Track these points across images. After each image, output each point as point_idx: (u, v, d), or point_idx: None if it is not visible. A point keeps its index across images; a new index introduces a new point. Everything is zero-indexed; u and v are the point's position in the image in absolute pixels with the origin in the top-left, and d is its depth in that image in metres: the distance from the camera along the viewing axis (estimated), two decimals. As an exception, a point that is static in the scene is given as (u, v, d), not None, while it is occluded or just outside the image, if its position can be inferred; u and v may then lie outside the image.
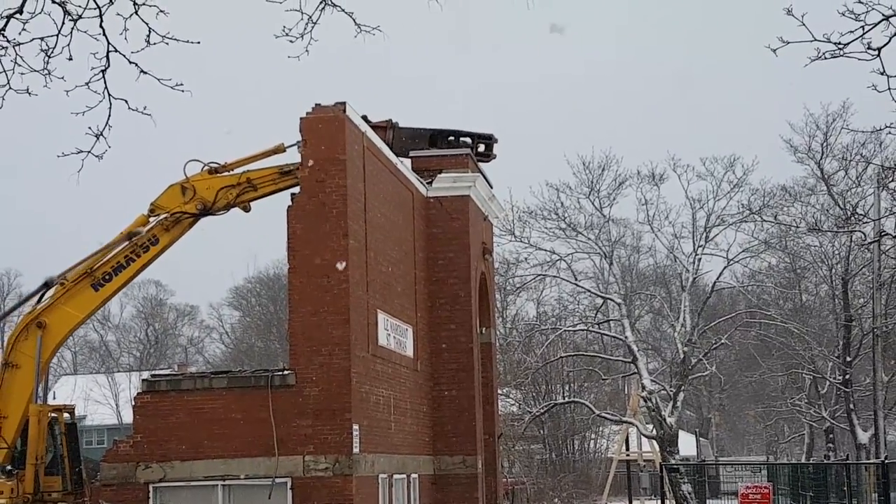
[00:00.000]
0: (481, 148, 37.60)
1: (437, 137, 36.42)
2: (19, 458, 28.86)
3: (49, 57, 11.82)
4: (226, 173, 29.03)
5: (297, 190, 28.08)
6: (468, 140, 37.27)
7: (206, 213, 28.99)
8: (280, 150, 28.91)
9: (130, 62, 11.97)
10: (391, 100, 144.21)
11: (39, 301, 29.57)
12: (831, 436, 68.89)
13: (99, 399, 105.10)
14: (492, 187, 39.67)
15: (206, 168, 28.94)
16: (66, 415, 30.84)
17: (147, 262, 29.00)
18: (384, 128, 34.13)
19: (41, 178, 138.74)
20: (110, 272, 28.82)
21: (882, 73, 12.82)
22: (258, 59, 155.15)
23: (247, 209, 29.55)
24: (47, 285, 26.79)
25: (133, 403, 28.66)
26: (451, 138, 36.90)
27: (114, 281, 28.92)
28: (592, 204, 58.90)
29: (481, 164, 38.10)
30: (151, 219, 29.07)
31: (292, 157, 28.99)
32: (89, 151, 12.65)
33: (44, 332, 28.85)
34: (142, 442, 27.82)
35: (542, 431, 68.93)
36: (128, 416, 60.74)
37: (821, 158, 55.90)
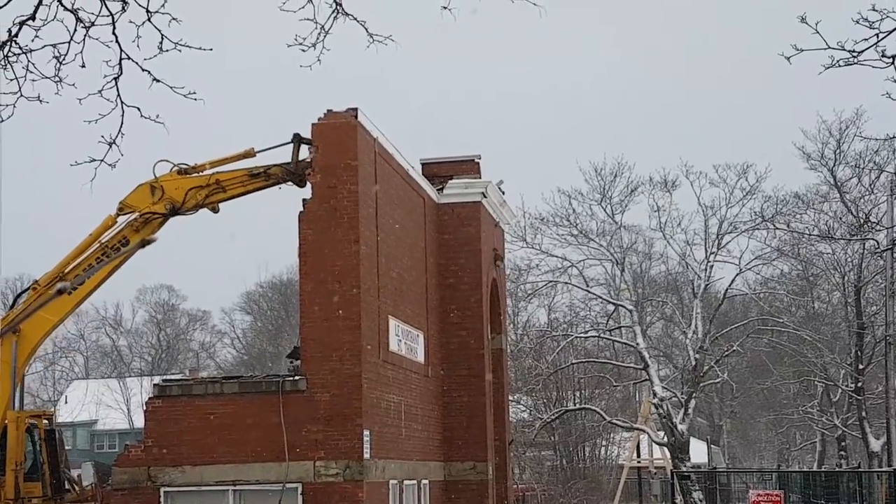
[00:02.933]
0: None
1: None
2: None
3: (61, 64, 11.81)
4: (195, 174, 29.06)
5: (307, 195, 28.09)
6: None
7: (175, 214, 28.98)
8: (250, 154, 28.94)
9: (143, 69, 11.97)
10: (399, 109, 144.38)
11: (13, 306, 29.68)
12: (843, 444, 68.68)
13: (111, 403, 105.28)
14: (503, 193, 39.65)
15: (176, 168, 28.98)
16: (44, 421, 30.89)
17: (119, 265, 28.96)
18: None
19: (55, 185, 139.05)
20: (82, 275, 28.81)
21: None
22: (269, 67, 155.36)
23: (215, 210, 29.54)
24: (60, 291, 26.94)
25: (144, 408, 28.68)
26: None
27: (86, 284, 28.91)
28: (604, 210, 58.90)
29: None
30: (120, 218, 29.07)
31: (262, 160, 29.08)
32: (102, 160, 12.65)
33: (19, 338, 28.86)
34: (153, 447, 27.84)
35: (552, 438, 68.74)
36: (139, 421, 60.77)
37: (834, 165, 55.80)
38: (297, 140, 28.75)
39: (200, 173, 29.08)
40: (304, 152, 28.78)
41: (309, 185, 28.26)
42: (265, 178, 29.04)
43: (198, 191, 28.88)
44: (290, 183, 29.16)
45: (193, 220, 29.74)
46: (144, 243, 28.68)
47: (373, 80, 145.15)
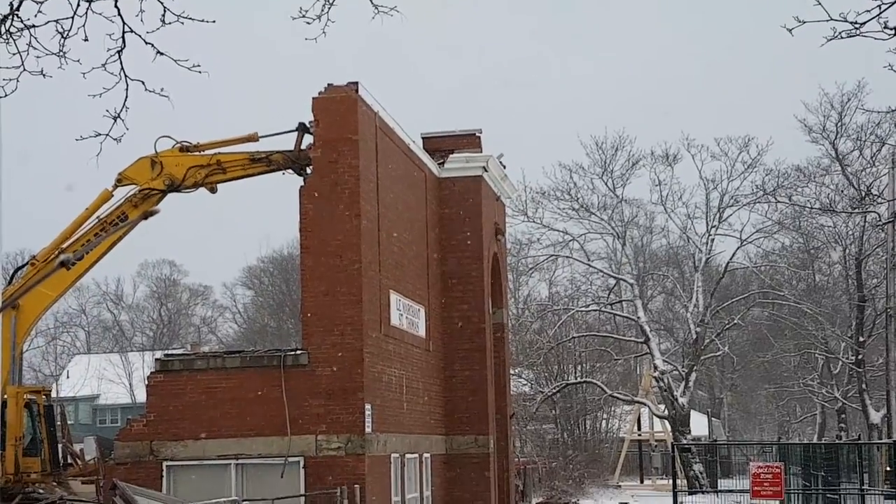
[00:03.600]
0: None
1: None
2: None
3: (64, 38, 11.77)
4: (197, 153, 29.07)
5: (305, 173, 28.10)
6: None
7: (174, 190, 28.99)
8: (253, 138, 28.96)
9: (146, 43, 11.93)
10: (408, 87, 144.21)
11: (10, 282, 29.66)
12: (843, 416, 68.86)
13: (112, 378, 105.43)
14: (504, 167, 39.62)
15: (178, 146, 28.99)
16: (43, 396, 30.95)
17: (118, 239, 28.95)
18: None
19: (59, 159, 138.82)
20: (81, 250, 28.80)
21: (898, 53, 12.74)
22: (272, 40, 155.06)
23: (213, 190, 29.56)
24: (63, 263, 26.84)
25: (146, 383, 28.74)
26: None
27: (85, 259, 28.92)
28: (605, 184, 58.98)
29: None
30: (117, 191, 29.06)
31: (265, 146, 29.13)
32: (107, 134, 12.63)
33: (17, 313, 28.88)
34: (155, 421, 27.91)
35: (554, 411, 68.91)
36: (141, 396, 60.94)
37: (835, 138, 55.80)
38: (302, 129, 28.74)
39: (202, 152, 29.10)
40: (309, 140, 28.80)
41: (300, 178, 28.28)
42: (266, 163, 29.07)
43: (198, 170, 28.89)
44: (290, 171, 29.20)
45: (195, 196, 29.77)
46: (147, 214, 28.69)
47: (378, 55, 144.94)
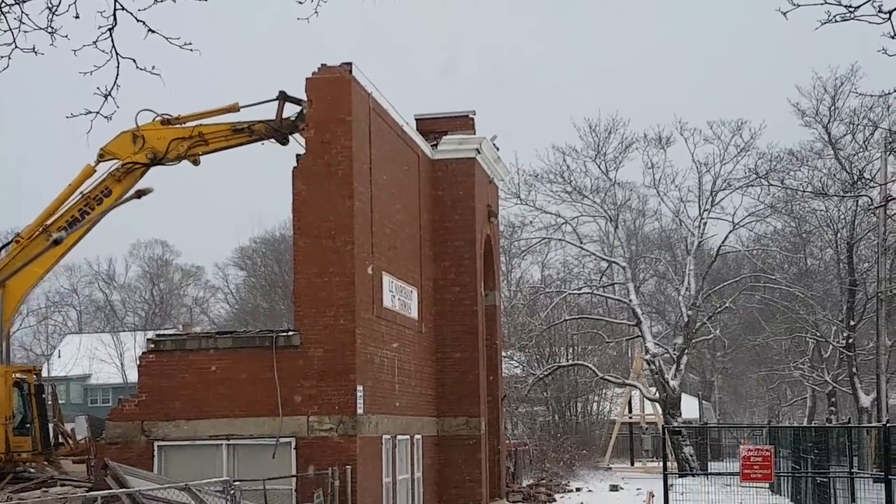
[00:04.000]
0: None
1: None
2: None
3: (54, 15, 11.71)
4: (178, 125, 28.99)
5: (300, 150, 28.03)
6: None
7: (157, 163, 28.92)
8: (234, 109, 28.90)
9: (138, 20, 11.87)
10: (398, 63, 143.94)
11: None
12: (833, 399, 69.04)
13: (104, 358, 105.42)
14: (498, 150, 39.58)
15: (159, 119, 28.91)
16: (33, 376, 30.92)
17: (102, 214, 28.85)
18: None
19: (49, 137, 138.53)
20: (65, 227, 28.69)
21: (893, 37, 12.71)
22: (263, 19, 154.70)
23: (196, 163, 29.48)
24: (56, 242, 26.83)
25: (138, 363, 28.72)
26: None
27: (70, 235, 28.83)
28: (598, 167, 58.98)
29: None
30: (100, 166, 28.98)
31: (252, 115, 29.07)
32: (98, 112, 12.57)
33: (3, 292, 28.81)
34: (147, 401, 27.90)
35: (545, 394, 69.06)
36: (133, 376, 60.91)
37: (828, 122, 55.75)
38: (283, 98, 28.69)
39: (183, 125, 29.01)
40: (291, 110, 28.76)
41: (302, 139, 28.22)
42: (248, 133, 29.03)
43: (180, 142, 28.80)
44: (273, 140, 29.16)
45: (187, 176, 29.79)
46: (141, 193, 28.62)
47: (372, 36, 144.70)
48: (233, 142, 29.22)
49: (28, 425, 30.06)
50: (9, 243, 29.48)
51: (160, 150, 28.75)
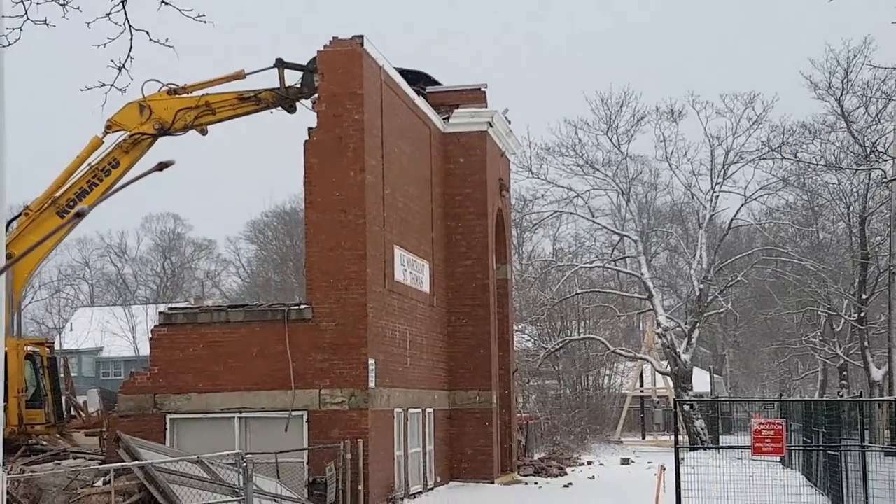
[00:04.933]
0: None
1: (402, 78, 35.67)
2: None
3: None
4: (185, 95, 28.94)
5: (312, 122, 28.00)
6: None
7: (164, 134, 28.91)
8: (240, 76, 28.84)
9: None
10: (404, 41, 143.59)
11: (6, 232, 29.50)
12: (845, 373, 68.98)
13: (116, 331, 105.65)
14: (510, 123, 39.49)
15: (165, 89, 28.84)
16: (46, 349, 31.00)
17: (110, 186, 28.88)
18: None
19: (60, 108, 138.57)
20: (74, 198, 28.72)
21: (906, 10, 12.63)
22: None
23: (204, 132, 29.47)
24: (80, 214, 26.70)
25: (150, 336, 28.80)
26: (421, 84, 36.13)
27: (89, 197, 28.84)
28: (610, 140, 58.79)
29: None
30: (107, 137, 28.98)
31: (253, 84, 29.05)
32: (112, 84, 12.56)
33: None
34: (159, 374, 27.99)
35: (556, 367, 69.05)
36: (145, 349, 61.06)
37: (841, 95, 55.41)
38: (281, 64, 28.63)
39: (190, 94, 28.97)
40: (295, 78, 28.72)
41: (312, 113, 28.19)
42: (255, 102, 28.99)
43: (187, 112, 28.77)
44: (280, 108, 29.13)
45: (200, 149, 29.71)
46: (163, 165, 28.57)
47: (381, 10, 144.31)
48: (240, 110, 29.19)
49: (41, 398, 30.19)
50: (18, 215, 29.53)
51: (167, 121, 28.74)
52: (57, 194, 28.89)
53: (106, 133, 28.96)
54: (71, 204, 28.71)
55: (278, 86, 28.80)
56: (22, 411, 29.44)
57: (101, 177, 28.83)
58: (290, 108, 29.13)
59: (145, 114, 28.71)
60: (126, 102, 28.57)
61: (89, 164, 28.95)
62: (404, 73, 34.42)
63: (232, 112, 29.16)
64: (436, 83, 36.92)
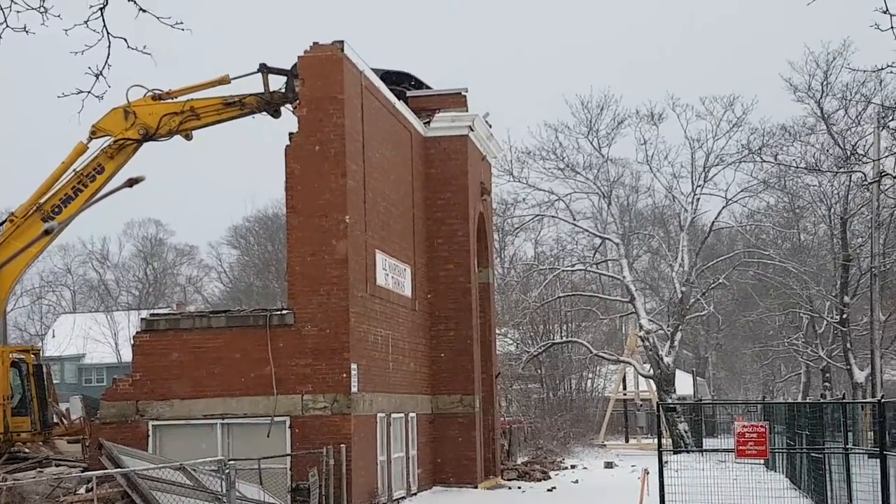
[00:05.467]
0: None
1: (387, 79, 35.72)
2: None
3: (46, -6, 11.61)
4: (169, 100, 28.91)
5: (293, 128, 27.98)
6: (416, 89, 36.67)
7: (149, 139, 28.86)
8: (225, 81, 28.79)
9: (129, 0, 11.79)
10: (388, 42, 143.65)
11: None
12: (828, 375, 69.12)
13: (98, 338, 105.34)
14: (490, 127, 39.52)
15: (150, 94, 28.81)
16: (32, 356, 30.89)
17: (95, 192, 28.83)
18: None
19: (43, 115, 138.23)
20: (59, 205, 28.67)
21: (885, 12, 12.69)
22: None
23: (189, 137, 29.42)
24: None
25: (132, 342, 28.72)
26: (405, 84, 36.20)
27: (63, 213, 28.79)
28: (591, 144, 58.83)
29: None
30: (92, 143, 28.92)
31: (237, 89, 29.00)
32: (89, 91, 12.50)
33: None
34: (141, 380, 27.92)
35: (539, 371, 69.07)
36: (127, 355, 60.91)
37: (821, 97, 55.57)
38: (265, 69, 28.60)
39: (174, 99, 28.92)
40: (280, 82, 28.69)
41: (295, 118, 28.16)
42: (240, 107, 28.95)
43: (171, 117, 28.72)
44: (265, 112, 29.09)
45: (180, 154, 29.71)
46: (133, 182, 28.53)
47: (362, 11, 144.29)
48: (224, 115, 29.14)
49: (27, 406, 30.06)
50: (3, 222, 29.42)
51: (152, 126, 28.68)
52: (42, 200, 28.81)
53: (90, 139, 28.89)
54: (56, 210, 28.66)
55: (262, 91, 28.76)
56: (7, 419, 29.32)
57: (86, 182, 28.76)
58: (275, 113, 29.11)
59: (130, 119, 28.63)
60: (111, 108, 28.52)
61: (74, 170, 28.88)
62: (389, 73, 34.50)
63: (217, 117, 29.12)
64: (421, 83, 36.99)
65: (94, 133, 28.82)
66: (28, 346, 33.72)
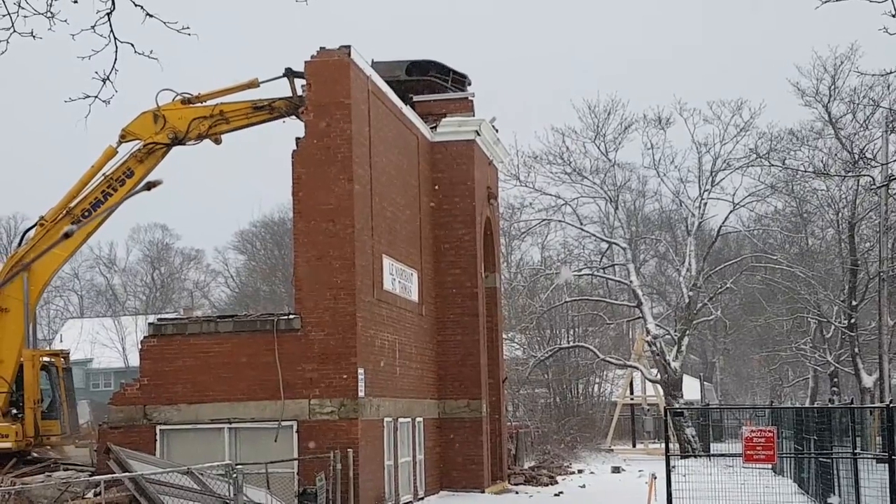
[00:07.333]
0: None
1: (414, 69, 35.85)
2: (16, 402, 29.06)
3: (53, -1, 11.64)
4: (198, 104, 28.95)
5: (301, 133, 27.99)
6: (444, 77, 36.68)
7: (178, 143, 28.95)
8: (254, 84, 28.83)
9: (136, 5, 11.81)
10: (397, 35, 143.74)
11: (20, 244, 29.61)
12: (835, 380, 69.01)
13: (105, 342, 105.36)
14: (497, 131, 39.51)
15: (179, 98, 28.86)
16: (61, 360, 30.98)
17: (125, 195, 28.92)
18: None
19: (48, 121, 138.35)
20: (89, 208, 28.79)
21: (893, 16, 12.67)
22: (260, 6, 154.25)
23: (218, 142, 29.46)
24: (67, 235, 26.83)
25: (140, 347, 28.76)
26: (433, 73, 36.28)
27: (93, 216, 28.89)
28: (598, 148, 58.83)
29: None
30: (121, 147, 29.01)
31: (266, 92, 29.05)
32: (96, 96, 12.52)
33: (29, 274, 28.86)
34: (149, 385, 27.95)
35: (546, 375, 69.06)
36: (134, 360, 60.97)
37: (828, 102, 55.53)
38: (290, 74, 28.64)
39: (204, 103, 28.99)
40: (302, 84, 28.75)
41: (302, 123, 28.18)
42: (269, 111, 29.01)
43: (201, 121, 28.78)
44: (294, 116, 29.12)
45: (188, 160, 29.69)
46: (151, 185, 28.59)
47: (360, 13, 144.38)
48: (254, 119, 29.21)
49: (56, 409, 30.17)
50: (34, 226, 29.55)
51: (181, 130, 28.76)
52: (72, 205, 28.97)
53: (120, 143, 29.01)
54: (86, 214, 28.82)
55: (290, 94, 28.83)
56: (38, 422, 29.41)
57: (115, 186, 28.90)
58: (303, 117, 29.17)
59: (159, 123, 28.74)
60: (140, 112, 28.65)
61: (104, 174, 29.01)
62: (415, 63, 34.70)
63: (246, 121, 29.18)
64: (448, 70, 36.80)
65: (124, 137, 28.94)
66: (57, 350, 33.81)
